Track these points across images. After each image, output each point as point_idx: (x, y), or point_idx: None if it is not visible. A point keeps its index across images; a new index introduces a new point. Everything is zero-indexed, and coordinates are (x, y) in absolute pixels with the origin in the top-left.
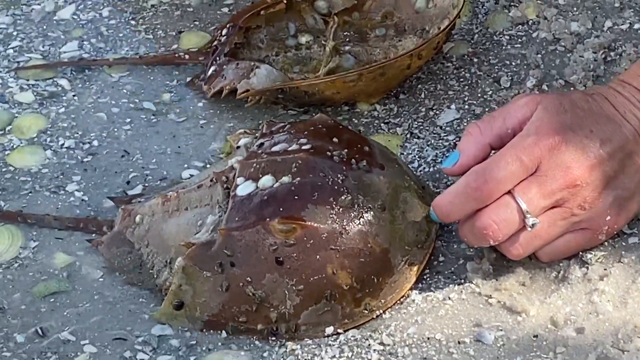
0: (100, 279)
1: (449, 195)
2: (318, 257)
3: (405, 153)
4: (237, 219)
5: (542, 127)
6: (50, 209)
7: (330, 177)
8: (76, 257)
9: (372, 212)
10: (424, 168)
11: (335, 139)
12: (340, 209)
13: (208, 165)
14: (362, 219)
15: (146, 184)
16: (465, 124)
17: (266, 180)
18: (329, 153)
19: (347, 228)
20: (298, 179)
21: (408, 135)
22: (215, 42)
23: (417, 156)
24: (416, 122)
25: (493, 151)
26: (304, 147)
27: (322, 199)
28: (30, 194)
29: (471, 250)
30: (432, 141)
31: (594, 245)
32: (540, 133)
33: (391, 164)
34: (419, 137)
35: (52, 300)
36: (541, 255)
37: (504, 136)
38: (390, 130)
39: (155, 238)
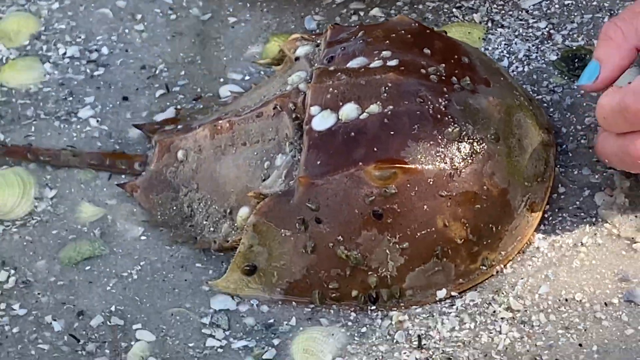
0: (142, 238)
1: (603, 109)
2: (425, 207)
3: (490, 48)
4: (318, 162)
5: None
6: (64, 142)
7: (430, 103)
8: (107, 207)
9: (485, 145)
10: (517, 67)
11: (426, 50)
12: (448, 145)
13: (247, 77)
14: (474, 155)
15: (178, 106)
16: (556, 5)
17: (349, 110)
18: (423, 70)
19: (457, 168)
20: (390, 107)
21: (489, 24)
22: None
23: (505, 52)
24: (495, 6)
25: None
26: (390, 63)
27: (424, 133)
28: (35, 123)
29: (596, 176)
30: (520, 30)
31: None
32: None
33: (496, 77)
34: (502, 26)
35: (87, 268)
36: None
37: None
38: (466, 18)
39: (207, 181)
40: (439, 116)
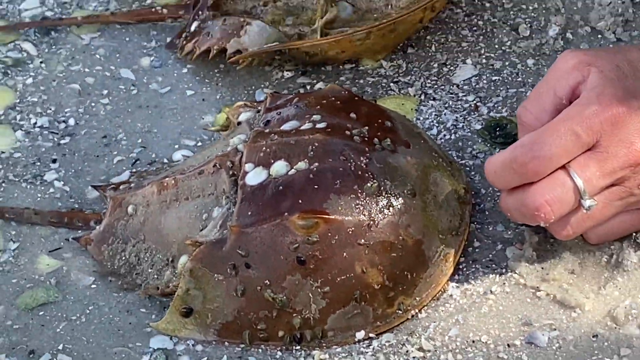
0: (93, 286)
1: (494, 164)
2: (345, 254)
3: (421, 118)
4: (249, 213)
5: (604, 96)
6: (29, 202)
7: (352, 161)
8: (63, 260)
9: (401, 200)
10: (444, 135)
11: (352, 114)
12: (367, 198)
13: (200, 143)
14: (391, 208)
15: (133, 169)
16: (484, 81)
17: (279, 167)
18: (348, 132)
19: (375, 220)
20: (316, 164)
21: (422, 97)
22: None
23: (434, 121)
24: (429, 81)
25: None
26: (318, 126)
27: (345, 188)
28: (4, 184)
29: (509, 232)
30: (450, 103)
31: None
32: (602, 103)
33: (416, 140)
34: (434, 99)
35: (40, 313)
36: (591, 237)
37: (561, 109)
38: (402, 91)
39: (152, 233)
40: (359, 172)
